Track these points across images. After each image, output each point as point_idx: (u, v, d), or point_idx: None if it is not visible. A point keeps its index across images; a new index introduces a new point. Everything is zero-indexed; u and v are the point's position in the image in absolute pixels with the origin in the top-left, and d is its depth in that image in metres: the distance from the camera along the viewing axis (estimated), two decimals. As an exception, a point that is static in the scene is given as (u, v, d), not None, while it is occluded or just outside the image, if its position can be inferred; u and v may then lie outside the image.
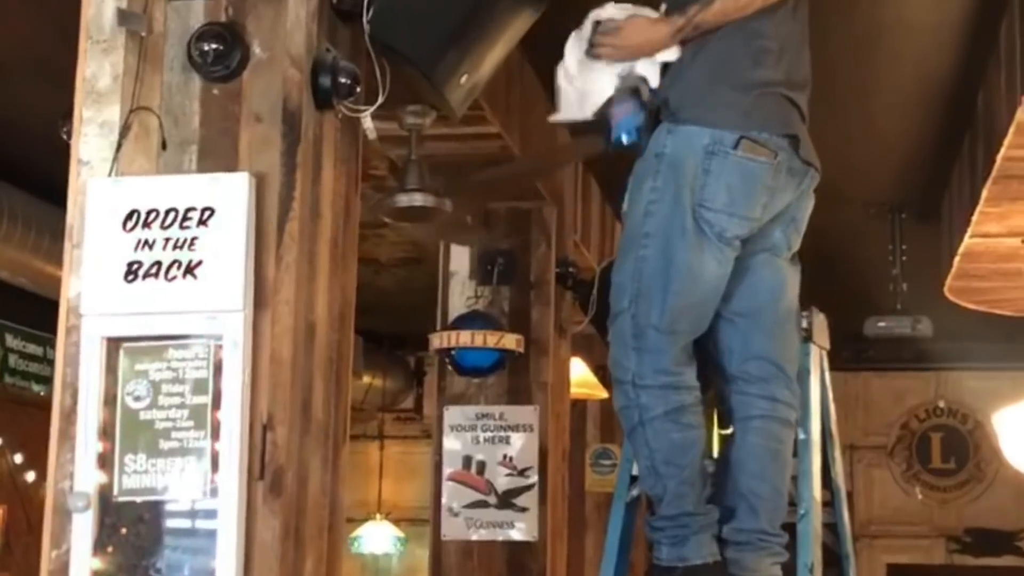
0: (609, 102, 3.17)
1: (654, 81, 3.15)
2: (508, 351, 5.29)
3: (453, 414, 5.44)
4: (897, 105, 5.85)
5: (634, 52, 3.16)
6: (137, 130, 2.99)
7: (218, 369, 2.85)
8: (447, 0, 3.14)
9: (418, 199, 4.46)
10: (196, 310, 2.86)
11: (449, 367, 5.42)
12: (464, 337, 5.24)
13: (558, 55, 3.28)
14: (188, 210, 2.90)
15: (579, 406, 7.90)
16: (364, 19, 3.13)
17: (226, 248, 2.87)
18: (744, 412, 3.20)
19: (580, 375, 7.12)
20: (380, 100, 3.16)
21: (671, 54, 3.15)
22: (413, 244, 7.34)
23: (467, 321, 5.35)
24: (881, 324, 7.30)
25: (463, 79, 3.16)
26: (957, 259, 6.52)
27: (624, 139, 3.15)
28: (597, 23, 3.21)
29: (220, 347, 2.85)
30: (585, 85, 3.20)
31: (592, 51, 3.18)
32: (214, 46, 2.94)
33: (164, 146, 2.96)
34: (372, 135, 3.20)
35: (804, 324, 3.30)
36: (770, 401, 3.18)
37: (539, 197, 5.55)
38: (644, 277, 3.11)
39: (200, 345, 2.86)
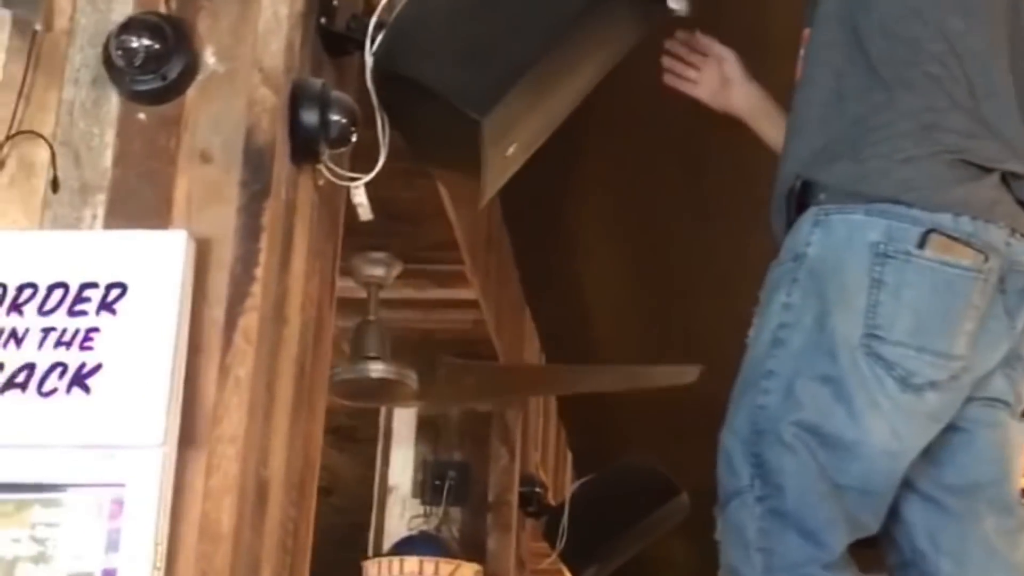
0: None
1: None
2: (463, 587, 4.14)
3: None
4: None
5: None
6: (16, 167, 1.92)
7: (113, 542, 1.73)
8: (505, 28, 2.05)
9: (379, 370, 3.41)
10: (85, 444, 1.75)
11: (385, 606, 4.23)
12: (411, 565, 4.09)
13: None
14: (85, 287, 1.82)
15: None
16: (368, 48, 2.12)
17: (142, 348, 1.79)
18: None
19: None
20: (380, 163, 2.13)
21: None
22: (324, 468, 6.22)
23: (414, 546, 4.20)
24: None
25: (511, 149, 2.11)
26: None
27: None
28: None
29: (119, 505, 1.74)
30: None
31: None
32: (146, 43, 1.91)
33: (55, 189, 1.90)
34: (366, 215, 2.16)
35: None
36: None
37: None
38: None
39: (86, 501, 1.75)
